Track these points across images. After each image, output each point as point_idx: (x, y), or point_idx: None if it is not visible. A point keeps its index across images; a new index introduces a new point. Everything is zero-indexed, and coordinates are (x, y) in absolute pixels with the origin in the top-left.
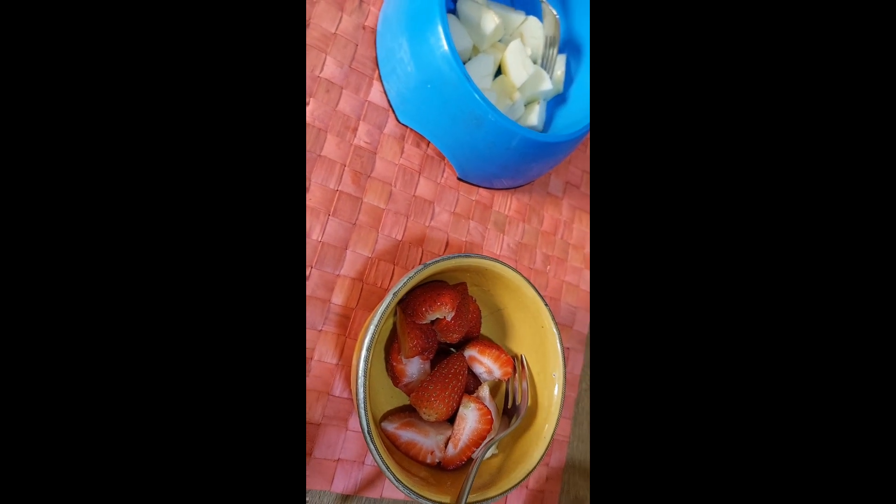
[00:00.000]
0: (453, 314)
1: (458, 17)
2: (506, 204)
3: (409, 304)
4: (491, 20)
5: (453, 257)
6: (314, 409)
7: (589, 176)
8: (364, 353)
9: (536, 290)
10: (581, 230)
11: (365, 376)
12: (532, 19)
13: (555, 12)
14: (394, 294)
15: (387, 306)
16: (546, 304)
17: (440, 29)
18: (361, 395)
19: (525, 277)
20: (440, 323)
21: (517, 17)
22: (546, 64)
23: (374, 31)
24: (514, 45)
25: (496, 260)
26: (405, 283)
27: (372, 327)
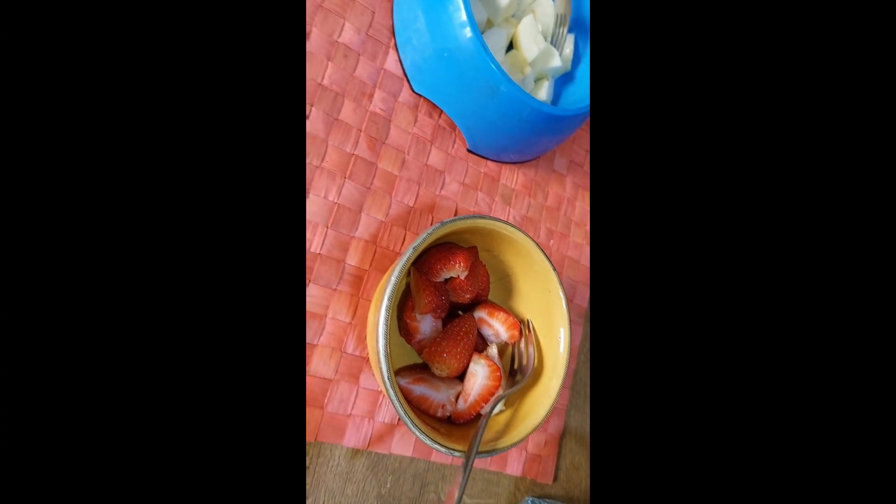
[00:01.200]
0: (466, 273)
1: None
2: (513, 178)
3: (423, 262)
4: None
5: (469, 217)
6: (328, 365)
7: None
8: (386, 301)
9: (545, 254)
10: (583, 208)
11: (386, 325)
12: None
13: None
14: (413, 248)
15: (406, 259)
16: (553, 268)
17: (463, 8)
18: (382, 346)
19: (534, 241)
20: (453, 282)
21: None
22: (556, 42)
23: None
24: (527, 21)
25: (508, 223)
26: (424, 239)
27: (393, 278)
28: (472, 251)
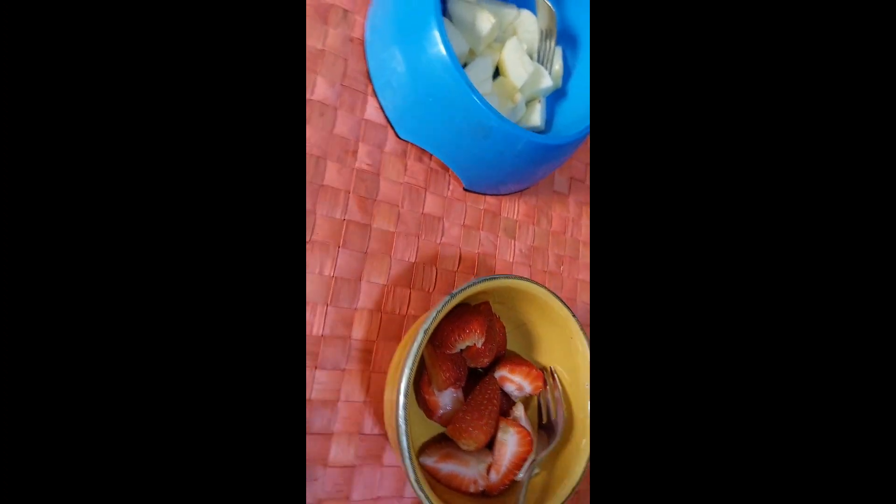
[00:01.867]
0: (483, 340)
1: (450, 19)
2: (514, 209)
3: (436, 335)
4: (486, 20)
5: (478, 282)
6: (347, 451)
7: (586, 133)
8: (402, 399)
9: (563, 303)
10: (588, 225)
11: (406, 424)
12: (525, 13)
13: (549, 5)
14: (424, 332)
15: (418, 346)
16: (575, 317)
17: (437, 35)
18: (405, 444)
19: (551, 291)
20: (470, 350)
21: (510, 11)
22: (543, 59)
23: (362, 41)
24: (512, 44)
25: (519, 277)
26: (434, 319)
27: (406, 371)
28: (486, 312)
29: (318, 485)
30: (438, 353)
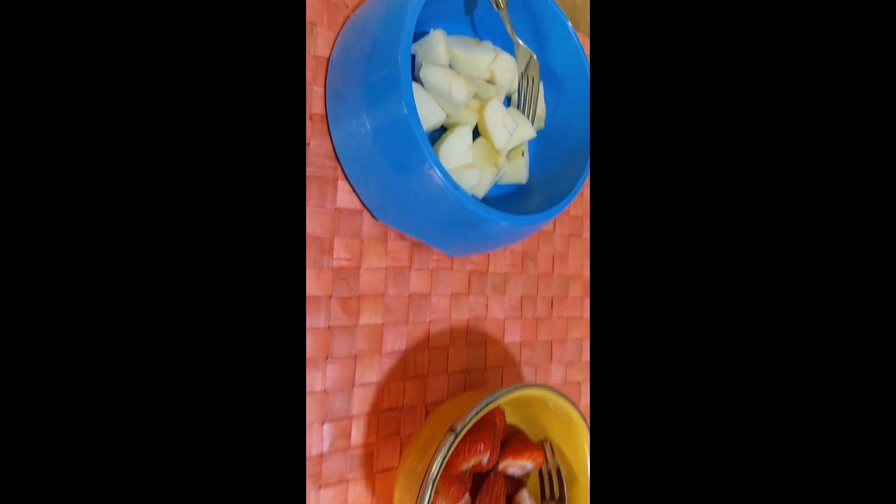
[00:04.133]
0: (489, 454)
1: (422, 84)
2: (501, 261)
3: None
4: (462, 89)
5: (478, 411)
6: None
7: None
8: None
9: (565, 397)
10: (576, 258)
11: None
12: (503, 56)
13: (532, 53)
14: (433, 481)
15: (430, 490)
16: (571, 402)
17: (425, 153)
18: None
19: (554, 389)
20: (477, 464)
21: (484, 56)
22: (525, 103)
23: (323, 117)
24: (493, 107)
25: (517, 388)
26: (440, 465)
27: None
28: (491, 423)
29: None
30: (445, 474)
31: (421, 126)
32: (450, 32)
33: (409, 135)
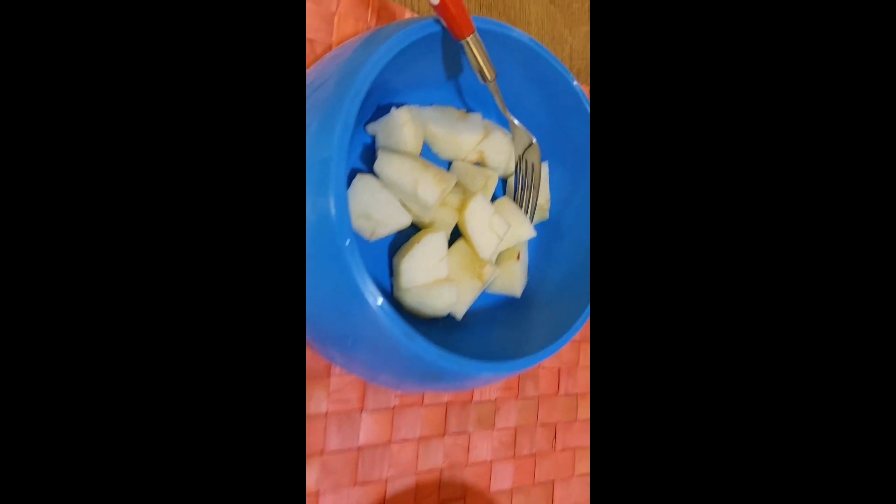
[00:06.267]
0: None
1: (377, 176)
2: (489, 386)
3: None
4: (431, 187)
5: None
6: None
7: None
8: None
9: None
10: (587, 367)
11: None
12: (494, 134)
13: (532, 137)
14: None
15: None
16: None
17: (359, 284)
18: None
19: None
20: None
21: (470, 136)
22: (523, 189)
23: None
24: (476, 206)
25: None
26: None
27: None
28: None
29: None
30: None
31: (354, 243)
32: (431, 102)
33: (337, 253)
